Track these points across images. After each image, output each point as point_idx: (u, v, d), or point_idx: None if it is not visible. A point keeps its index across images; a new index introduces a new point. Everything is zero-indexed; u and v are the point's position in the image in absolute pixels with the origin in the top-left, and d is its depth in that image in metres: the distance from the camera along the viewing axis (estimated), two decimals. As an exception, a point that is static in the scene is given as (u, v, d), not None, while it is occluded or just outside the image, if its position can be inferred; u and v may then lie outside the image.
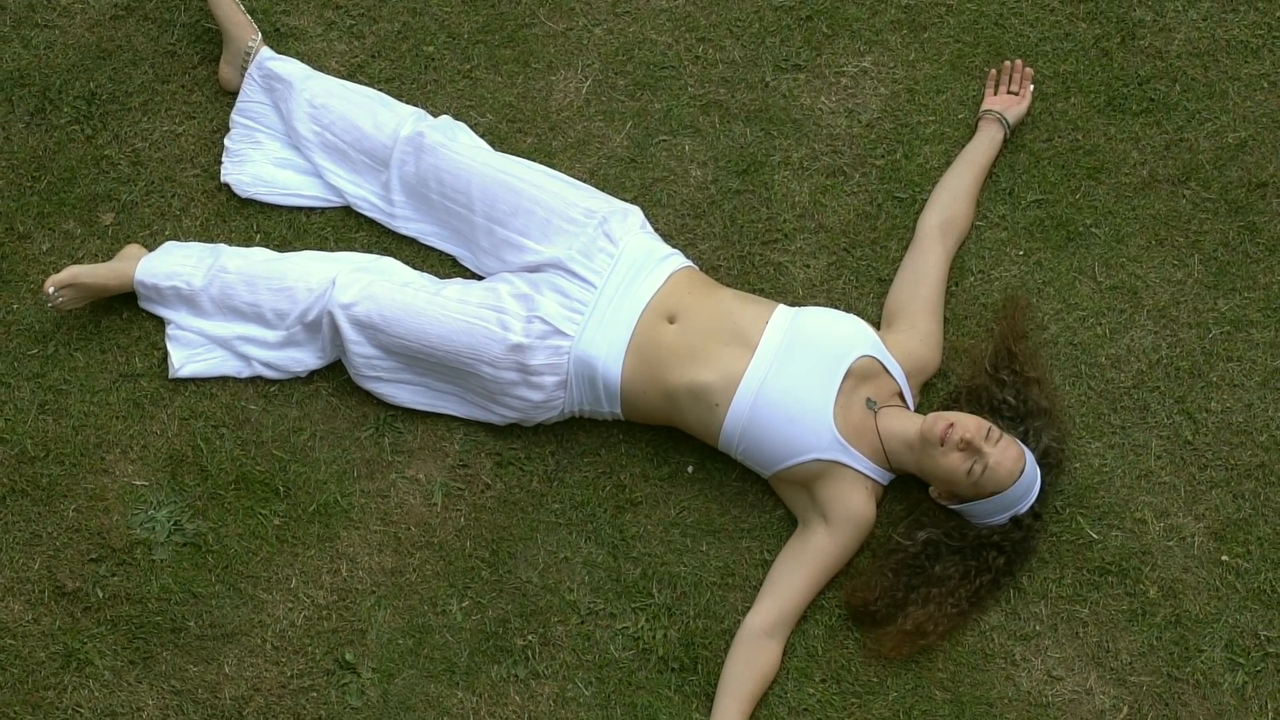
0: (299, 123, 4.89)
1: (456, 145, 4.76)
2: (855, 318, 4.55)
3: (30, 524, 4.69)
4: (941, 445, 4.31)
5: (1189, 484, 4.59)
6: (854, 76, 4.97)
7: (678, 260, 4.66)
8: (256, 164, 4.95)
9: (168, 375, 4.77)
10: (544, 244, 4.64)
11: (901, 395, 4.54)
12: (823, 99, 4.96)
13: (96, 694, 4.56)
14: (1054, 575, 4.54)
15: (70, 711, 4.54)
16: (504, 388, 4.57)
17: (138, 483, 4.71)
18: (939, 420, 4.34)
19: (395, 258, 4.82)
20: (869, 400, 4.47)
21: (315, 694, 4.55)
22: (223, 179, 4.93)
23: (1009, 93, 4.91)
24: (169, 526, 4.67)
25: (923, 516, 4.51)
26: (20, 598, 4.64)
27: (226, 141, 4.96)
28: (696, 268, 4.70)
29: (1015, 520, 4.41)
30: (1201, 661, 4.47)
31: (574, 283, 4.59)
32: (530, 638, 4.57)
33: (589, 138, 4.96)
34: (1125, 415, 4.65)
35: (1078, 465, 4.61)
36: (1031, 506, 4.42)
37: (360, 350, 4.62)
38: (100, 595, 4.63)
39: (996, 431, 4.35)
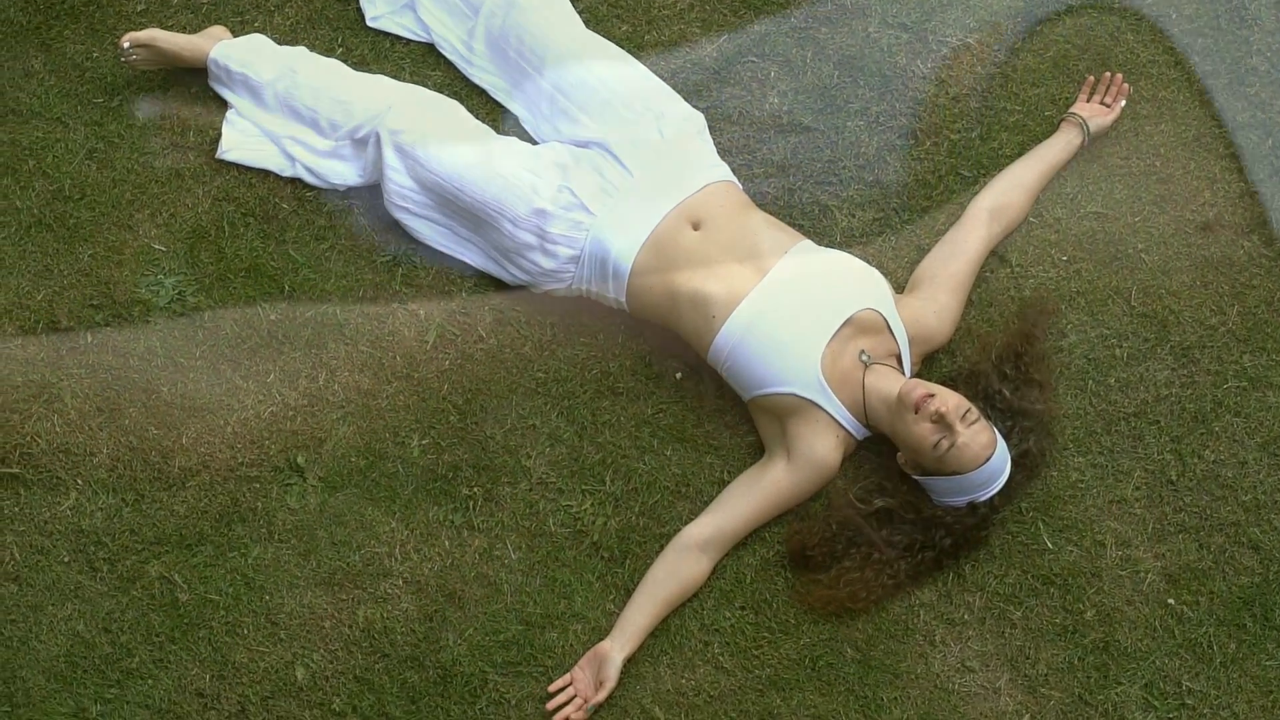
0: (408, -46, 4.99)
1: (547, 11, 4.80)
2: (873, 270, 4.54)
3: (46, 257, 4.81)
4: (915, 412, 4.30)
5: (1159, 522, 4.53)
6: (955, 49, 4.95)
7: (722, 172, 4.67)
8: None
9: (215, 155, 4.88)
10: (597, 122, 4.67)
11: (900, 359, 4.51)
12: (919, 62, 4.94)
13: (57, 429, 4.67)
14: (998, 571, 4.50)
15: (29, 439, 4.65)
16: (520, 248, 4.61)
17: (157, 246, 4.82)
18: (919, 387, 4.32)
19: (462, 104, 4.87)
20: (862, 353, 4.45)
21: (258, 486, 4.63)
22: None
23: (1101, 103, 4.85)
24: (172, 294, 4.77)
25: (885, 481, 4.49)
26: (15, 321, 4.76)
27: None
28: (738, 185, 4.70)
29: (972, 506, 4.39)
30: (1117, 694, 4.41)
31: (614, 165, 4.62)
32: (476, 490, 4.62)
33: (682, 40, 4.98)
34: (1117, 439, 4.59)
35: (1054, 474, 4.56)
36: (992, 498, 4.39)
37: (396, 178, 4.68)
38: (89, 340, 4.74)
39: (974, 413, 4.32)
